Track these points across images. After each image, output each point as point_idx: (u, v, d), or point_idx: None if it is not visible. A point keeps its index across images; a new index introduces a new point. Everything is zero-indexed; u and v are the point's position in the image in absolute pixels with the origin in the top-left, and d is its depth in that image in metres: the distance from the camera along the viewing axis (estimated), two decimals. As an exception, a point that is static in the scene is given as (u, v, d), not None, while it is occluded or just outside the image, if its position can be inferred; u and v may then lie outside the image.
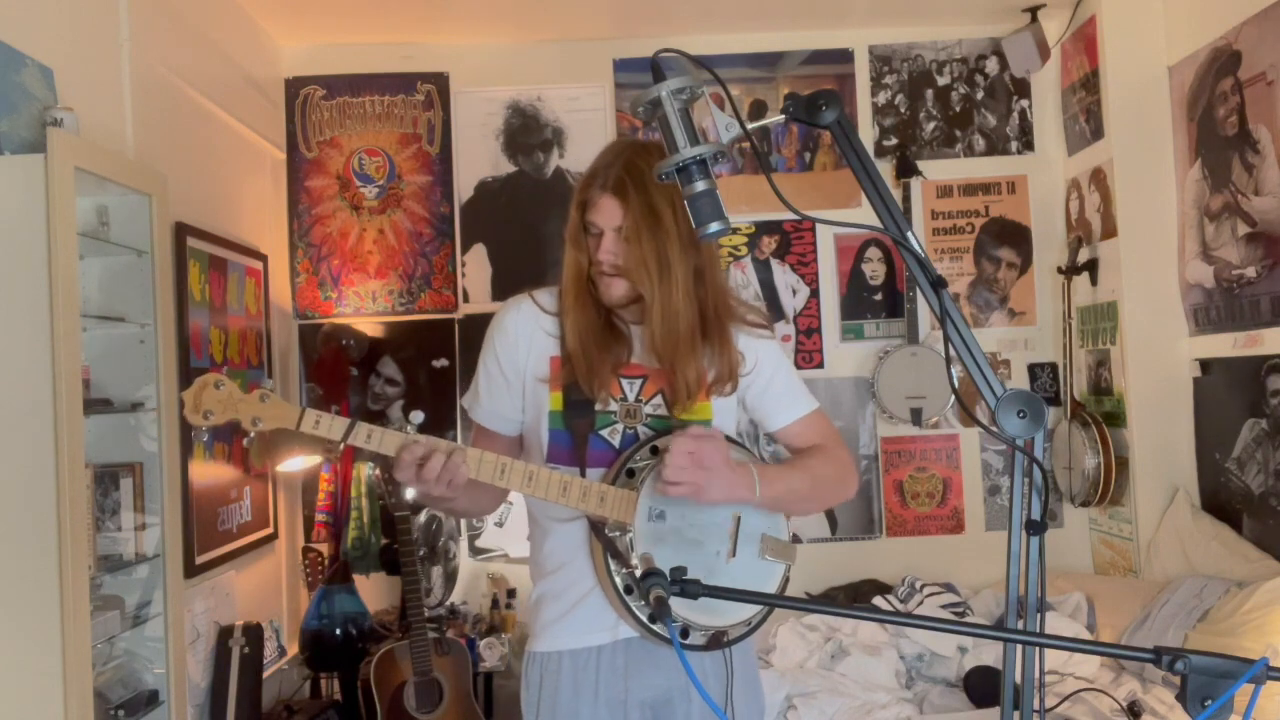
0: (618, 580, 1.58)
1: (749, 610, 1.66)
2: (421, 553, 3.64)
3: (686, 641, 1.60)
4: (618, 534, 1.58)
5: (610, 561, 1.59)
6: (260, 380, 3.52)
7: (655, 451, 1.63)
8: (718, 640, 1.63)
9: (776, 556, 1.66)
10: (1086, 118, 3.84)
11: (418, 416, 1.55)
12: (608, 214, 1.64)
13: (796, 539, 1.75)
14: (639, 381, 1.70)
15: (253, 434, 1.52)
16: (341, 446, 1.53)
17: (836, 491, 1.80)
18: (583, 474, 1.64)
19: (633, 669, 1.67)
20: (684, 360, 1.66)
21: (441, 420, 3.95)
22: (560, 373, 1.68)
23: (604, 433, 1.68)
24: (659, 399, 1.70)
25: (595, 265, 1.67)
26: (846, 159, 1.30)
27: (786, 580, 1.70)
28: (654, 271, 1.62)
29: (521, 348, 1.73)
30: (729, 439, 1.70)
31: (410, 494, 3.27)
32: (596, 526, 1.61)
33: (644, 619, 1.59)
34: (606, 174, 1.65)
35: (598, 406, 1.67)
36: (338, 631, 3.49)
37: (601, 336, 1.68)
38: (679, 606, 1.56)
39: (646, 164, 1.58)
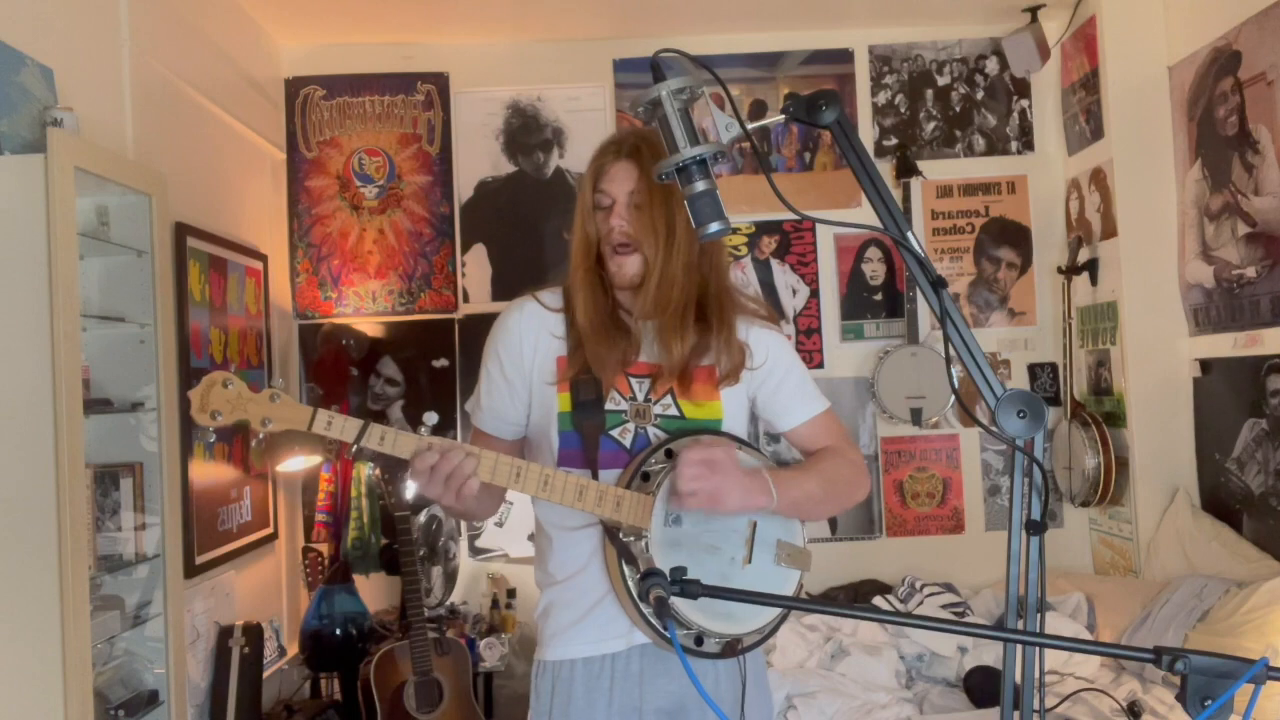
0: (632, 587, 1.55)
1: (764, 618, 1.63)
2: (421, 553, 3.64)
3: (701, 649, 1.58)
4: (632, 539, 1.55)
5: (625, 568, 1.55)
6: (260, 381, 3.52)
7: (670, 455, 1.60)
8: (732, 649, 1.61)
9: (792, 563, 1.65)
10: (1086, 118, 3.84)
11: (431, 418, 1.52)
12: (622, 179, 1.64)
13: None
14: (648, 380, 1.68)
15: (262, 435, 1.48)
16: (354, 449, 1.49)
17: (850, 494, 1.77)
18: (595, 476, 1.61)
19: (648, 676, 1.64)
20: (669, 331, 1.64)
21: (441, 421, 3.92)
22: (568, 372, 1.65)
23: (614, 433, 1.65)
24: (669, 399, 1.67)
25: (606, 239, 1.65)
26: (846, 159, 1.30)
27: (801, 587, 1.68)
28: (660, 236, 1.61)
29: (526, 349, 1.69)
30: (740, 440, 1.69)
31: (410, 494, 3.27)
32: (611, 532, 1.58)
33: (660, 627, 1.55)
34: (621, 143, 1.67)
35: (608, 406, 1.64)
36: (338, 631, 3.49)
37: (607, 326, 1.66)
38: (695, 614, 1.54)
39: (659, 141, 1.58)
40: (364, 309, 4.01)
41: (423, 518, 3.70)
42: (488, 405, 1.74)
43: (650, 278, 1.63)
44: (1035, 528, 1.21)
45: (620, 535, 1.56)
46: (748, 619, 1.62)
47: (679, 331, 1.64)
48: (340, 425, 1.46)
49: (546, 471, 1.54)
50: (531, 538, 1.82)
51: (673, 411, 1.67)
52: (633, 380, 1.67)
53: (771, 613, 1.65)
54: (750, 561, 1.62)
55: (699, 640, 1.57)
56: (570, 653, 1.66)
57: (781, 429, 1.80)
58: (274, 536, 3.61)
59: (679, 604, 1.51)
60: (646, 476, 1.58)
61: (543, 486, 1.53)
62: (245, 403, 1.45)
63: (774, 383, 1.76)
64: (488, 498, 1.63)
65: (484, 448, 1.73)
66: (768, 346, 1.74)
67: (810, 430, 1.79)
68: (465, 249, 4.05)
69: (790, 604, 1.26)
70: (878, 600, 3.63)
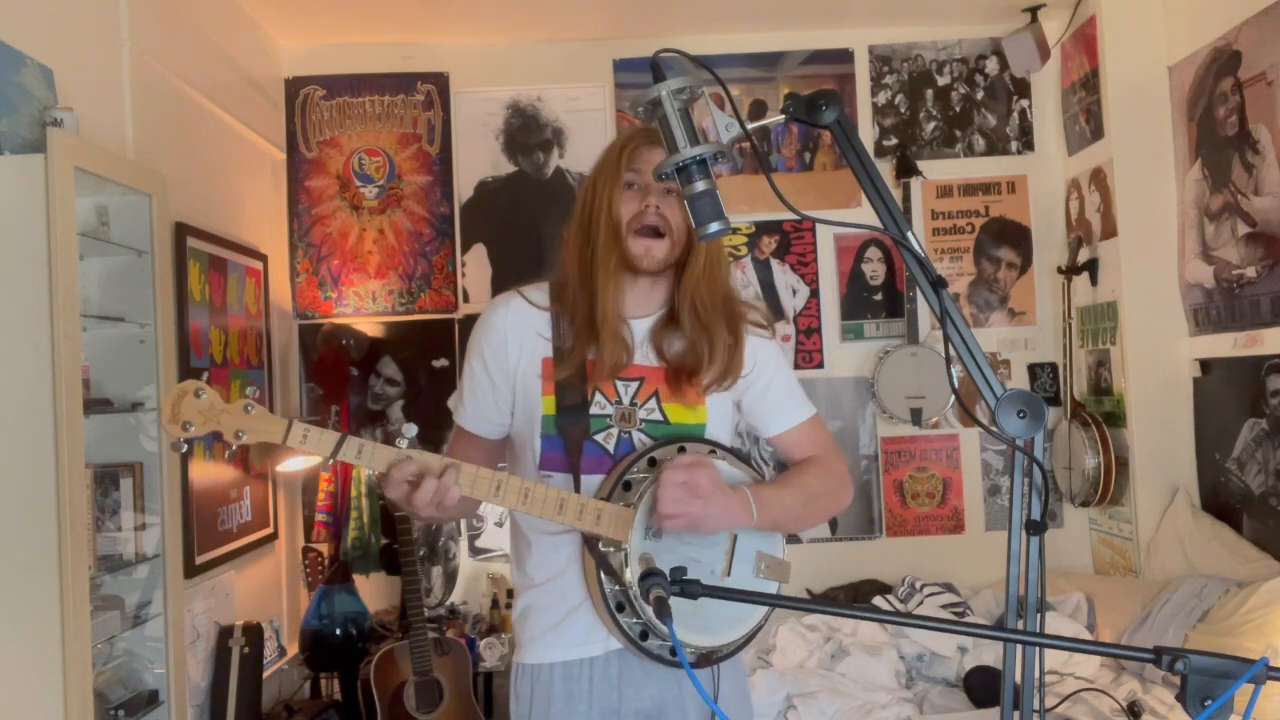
0: (609, 597, 1.55)
1: (739, 630, 1.64)
2: (421, 553, 3.65)
3: (675, 659, 1.58)
4: (611, 550, 1.54)
5: (603, 578, 1.55)
6: (259, 381, 3.52)
7: (653, 463, 1.58)
8: (707, 659, 1.61)
9: (771, 575, 1.64)
10: (1086, 118, 3.84)
11: (410, 430, 1.47)
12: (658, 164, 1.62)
13: (795, 540, 1.73)
14: (635, 384, 1.66)
15: (235, 447, 1.41)
16: (330, 463, 1.46)
17: (831, 506, 1.76)
18: (577, 481, 1.60)
19: (626, 679, 1.64)
20: (719, 327, 1.65)
21: (442, 421, 3.90)
22: (558, 373, 1.63)
23: (599, 438, 1.63)
24: (653, 402, 1.66)
25: (635, 219, 1.62)
26: (846, 159, 1.30)
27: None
28: (685, 231, 1.62)
29: (511, 348, 1.66)
30: (723, 448, 1.68)
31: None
32: (590, 541, 1.57)
33: (634, 637, 1.56)
34: (654, 133, 1.60)
35: (592, 410, 1.62)
36: (338, 631, 3.49)
37: (621, 323, 1.64)
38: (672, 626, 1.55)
39: None
40: (364, 309, 4.01)
41: (423, 518, 3.69)
42: (470, 404, 1.71)
43: (701, 272, 1.64)
44: (1035, 528, 1.21)
45: (599, 546, 1.55)
46: (724, 631, 1.62)
47: (722, 329, 1.66)
48: (316, 439, 1.42)
49: (526, 485, 1.52)
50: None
51: (657, 416, 1.66)
52: (619, 383, 1.65)
53: (747, 625, 1.65)
54: (729, 574, 1.62)
55: (674, 652, 1.57)
56: (548, 656, 1.65)
57: (766, 434, 1.79)
58: (274, 536, 3.61)
59: (654, 619, 1.50)
60: (628, 485, 1.57)
61: (522, 500, 1.51)
62: (218, 414, 1.40)
63: (760, 387, 1.75)
64: (469, 500, 1.62)
65: (466, 445, 1.72)
66: (755, 353, 1.73)
67: (795, 436, 1.78)
68: (465, 249, 4.05)
69: (791, 604, 1.26)
70: (878, 600, 3.62)
